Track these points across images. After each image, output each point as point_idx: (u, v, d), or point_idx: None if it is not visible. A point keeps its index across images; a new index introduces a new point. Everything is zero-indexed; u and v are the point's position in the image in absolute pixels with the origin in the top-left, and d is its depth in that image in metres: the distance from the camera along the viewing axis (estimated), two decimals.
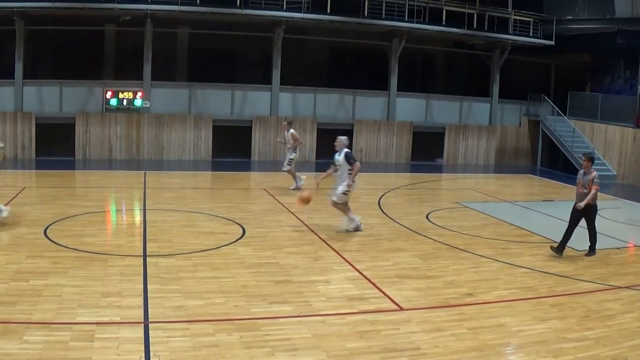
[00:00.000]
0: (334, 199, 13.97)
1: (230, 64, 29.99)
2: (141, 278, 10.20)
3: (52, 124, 25.76)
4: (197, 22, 27.23)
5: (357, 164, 13.90)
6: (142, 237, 13.04)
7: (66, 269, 10.51)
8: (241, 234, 13.61)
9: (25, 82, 25.92)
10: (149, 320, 8.38)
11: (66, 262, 10.93)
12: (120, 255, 11.57)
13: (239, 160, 26.62)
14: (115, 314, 8.50)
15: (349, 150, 14.08)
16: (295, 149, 19.52)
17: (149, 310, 8.72)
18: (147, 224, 14.29)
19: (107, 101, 26.22)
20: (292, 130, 19.72)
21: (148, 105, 26.42)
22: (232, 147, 27.29)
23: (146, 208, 16.18)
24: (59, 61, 27.96)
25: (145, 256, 11.57)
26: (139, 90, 26.42)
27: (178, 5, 25.03)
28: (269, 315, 8.77)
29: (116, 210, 16.82)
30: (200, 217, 15.24)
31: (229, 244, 12.74)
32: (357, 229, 14.17)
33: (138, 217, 15.53)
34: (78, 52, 27.36)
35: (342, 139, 14.23)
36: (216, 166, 25.25)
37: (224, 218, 15.19)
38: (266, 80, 28.25)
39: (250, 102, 28.11)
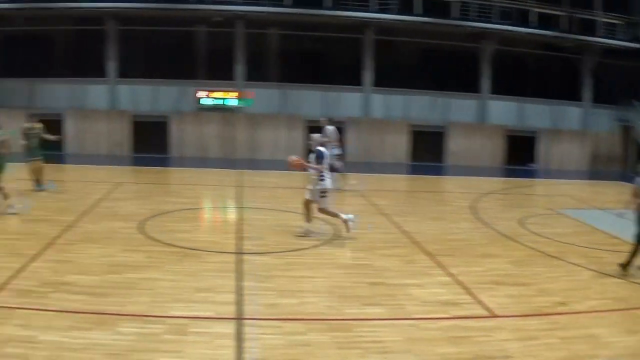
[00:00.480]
0: (319, 205, 13.34)
1: (322, 65, 30.10)
2: (235, 275, 10.29)
3: (146, 122, 26.52)
4: (287, 23, 27.47)
5: (322, 166, 13.14)
6: (237, 235, 13.17)
7: (161, 264, 10.74)
8: (334, 234, 13.56)
9: (120, 81, 26.80)
10: (243, 316, 8.44)
11: (161, 257, 11.17)
12: (214, 251, 11.71)
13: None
14: (209, 309, 8.59)
15: (320, 149, 13.33)
16: (340, 146, 19.57)
17: (243, 306, 8.79)
18: (242, 222, 14.45)
19: (200, 100, 26.74)
20: (329, 127, 19.72)
21: (250, 105, 26.84)
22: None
23: (241, 206, 16.36)
24: (151, 61, 28.78)
25: (240, 253, 11.68)
26: (233, 90, 26.85)
27: (268, 6, 25.32)
28: (362, 317, 8.68)
29: (211, 207, 17.09)
30: (294, 217, 15.25)
31: (322, 244, 12.72)
32: (306, 233, 13.39)
33: (233, 215, 15.73)
34: (171, 52, 28.08)
35: (315, 136, 13.75)
36: None
37: (319, 218, 15.17)
38: (357, 81, 28.22)
39: (342, 103, 28.13)
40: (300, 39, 28.52)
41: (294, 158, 13.50)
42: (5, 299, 8.74)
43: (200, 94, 26.93)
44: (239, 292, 9.41)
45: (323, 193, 13.18)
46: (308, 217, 13.47)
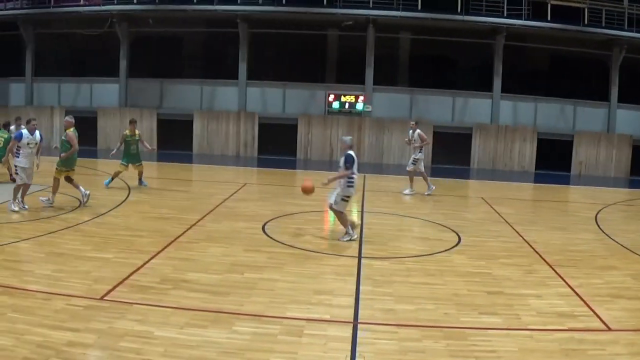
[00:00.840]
0: (333, 204, 13.06)
1: (451, 70, 29.66)
2: (354, 279, 10.22)
3: (274, 124, 26.94)
4: (418, 27, 27.22)
5: (348, 171, 12.80)
6: (358, 239, 13.09)
7: (281, 265, 10.84)
8: (456, 242, 13.27)
9: (249, 83, 27.38)
10: (359, 320, 8.37)
11: (281, 258, 11.27)
12: (334, 254, 11.70)
13: (457, 167, 26.17)
14: (326, 312, 8.55)
15: (349, 153, 12.99)
16: (421, 150, 19.18)
17: (360, 310, 8.71)
18: (364, 226, 14.37)
19: (330, 104, 26.89)
20: (418, 130, 19.30)
21: (370, 110, 26.78)
22: (451, 154, 26.92)
23: (364, 210, 16.28)
24: (282, 64, 29.22)
25: (360, 257, 11.61)
26: (361, 95, 26.86)
27: (399, 10, 25.17)
28: (478, 326, 8.43)
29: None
30: (416, 222, 15.08)
31: (443, 251, 12.47)
32: (349, 238, 13.02)
33: (355, 219, 15.66)
34: (300, 55, 28.41)
35: (346, 139, 13.41)
36: (435, 172, 24.99)
37: (440, 225, 14.92)
38: (486, 87, 27.61)
39: (470, 109, 27.60)
40: (430, 44, 28.20)
41: (307, 185, 13.18)
42: (124, 294, 9.04)
43: (330, 97, 27.07)
44: (357, 296, 9.34)
45: (346, 197, 12.96)
46: (344, 221, 13.18)
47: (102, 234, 12.79)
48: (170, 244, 12.11)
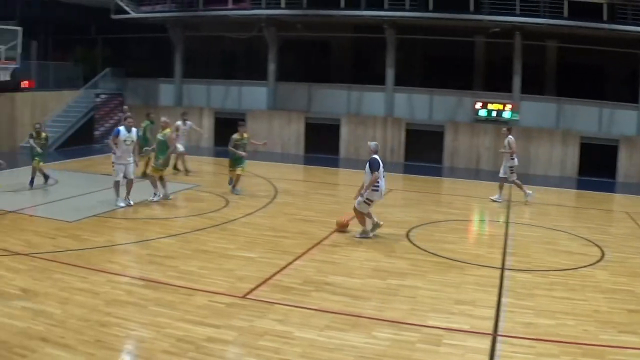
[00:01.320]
0: (356, 205, 13.37)
1: (599, 80, 28.45)
2: (496, 290, 10.15)
3: (421, 131, 26.89)
4: (565, 35, 26.35)
5: (375, 174, 13.00)
6: (501, 250, 12.95)
7: (423, 272, 10.91)
8: (599, 257, 12.80)
9: (396, 89, 27.47)
10: (498, 333, 8.32)
11: (424, 266, 11.34)
12: (477, 265, 11.62)
13: (604, 180, 25.10)
14: (466, 322, 8.56)
15: (374, 157, 13.25)
16: (513, 157, 18.45)
17: (500, 323, 8.66)
18: (507, 237, 14.18)
19: (477, 112, 26.56)
20: (510, 137, 18.61)
21: (517, 119, 26.23)
22: (597, 165, 25.85)
23: (509, 221, 16.03)
24: (430, 70, 29.12)
25: (502, 269, 11.48)
26: (509, 103, 26.35)
27: (546, 18, 24.52)
28: (616, 344, 8.20)
29: (479, 220, 16.93)
30: (560, 235, 14.66)
31: (586, 266, 12.08)
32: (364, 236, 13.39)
33: (499, 230, 15.44)
34: (447, 61, 28.22)
35: (371, 144, 13.61)
36: (581, 185, 24.17)
37: (584, 238, 14.45)
38: (633, 98, 26.33)
39: (617, 120, 26.41)
40: (578, 52, 27.21)
41: (342, 221, 13.81)
42: (266, 294, 9.42)
43: (477, 105, 26.74)
44: (497, 307, 9.27)
45: (369, 201, 13.18)
46: (364, 221, 13.45)
47: (248, 234, 13.35)
48: (314, 246, 12.47)
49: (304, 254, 11.84)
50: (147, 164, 19.50)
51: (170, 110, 29.61)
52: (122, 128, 15.87)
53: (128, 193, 16.00)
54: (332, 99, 28.65)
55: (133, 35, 33.15)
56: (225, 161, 19.05)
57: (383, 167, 13.33)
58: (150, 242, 12.63)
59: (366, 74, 29.16)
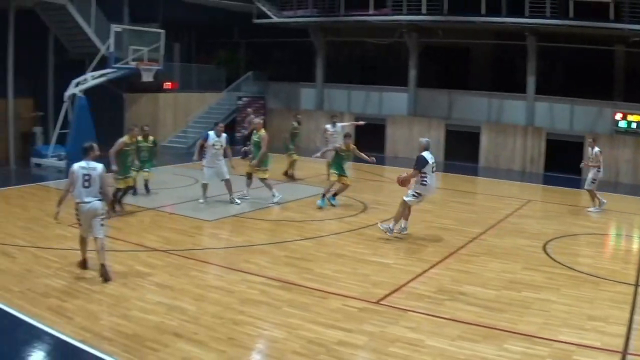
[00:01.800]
0: (405, 197, 13.95)
1: None
2: (628, 307, 9.94)
3: (561, 141, 26.28)
4: None
5: (415, 171, 13.62)
6: (636, 266, 12.58)
7: (558, 286, 10.84)
8: None
9: (537, 97, 26.99)
10: (628, 351, 8.21)
11: (559, 280, 11.25)
12: (612, 280, 11.39)
13: None
14: (597, 339, 8.49)
15: (421, 155, 13.70)
16: (600, 169, 17.84)
17: (630, 341, 8.53)
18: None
19: (616, 123, 25.71)
20: (597, 148, 17.96)
21: None
22: None
23: None
24: (570, 79, 28.40)
25: (637, 285, 11.19)
26: None
27: None
28: None
29: (616, 234, 16.51)
30: None
31: None
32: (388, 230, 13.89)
33: (636, 245, 15.03)
34: (588, 70, 27.42)
35: (422, 140, 14.06)
36: None
37: None
38: None
39: None
40: None
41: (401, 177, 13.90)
42: (400, 300, 9.68)
43: (617, 116, 25.85)
44: (630, 325, 9.11)
45: (417, 193, 13.75)
46: (400, 213, 13.92)
47: (384, 239, 13.63)
48: (450, 255, 12.61)
49: (439, 262, 12.02)
50: (291, 165, 20.18)
51: (312, 114, 30.36)
52: (212, 133, 16.95)
53: (231, 193, 17.00)
54: (472, 106, 28.45)
55: (275, 39, 34.10)
56: (365, 166, 19.44)
57: (434, 164, 13.81)
58: (287, 244, 13.18)
59: (506, 81, 28.78)
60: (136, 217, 15.42)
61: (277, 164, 19.35)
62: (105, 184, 10.72)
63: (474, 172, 25.87)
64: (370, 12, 28.80)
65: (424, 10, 27.41)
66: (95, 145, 10.91)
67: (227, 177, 16.97)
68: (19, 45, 23.00)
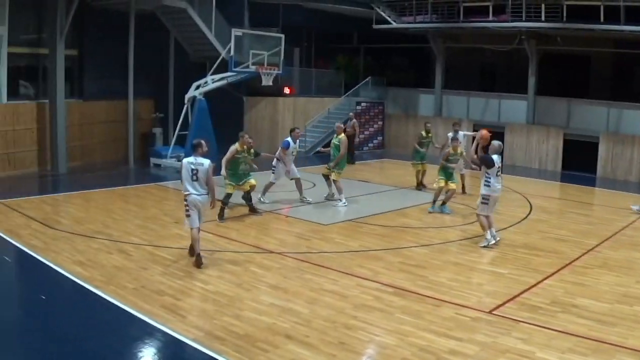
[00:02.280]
0: (477, 211, 14.12)
1: None
2: None
3: None
4: None
5: (484, 168, 13.74)
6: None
7: None
8: None
9: None
10: None
11: None
12: None
13: None
14: None
15: (486, 155, 13.79)
16: None
17: None
18: None
19: None
20: None
21: None
22: None
23: None
24: None
25: None
26: None
27: None
28: None
29: None
30: None
31: None
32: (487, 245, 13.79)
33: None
34: None
35: (495, 143, 13.94)
36: None
37: None
38: None
39: None
40: None
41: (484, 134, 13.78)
42: (512, 311, 9.71)
43: None
44: None
45: (484, 200, 13.71)
46: (485, 227, 13.87)
47: (499, 249, 13.59)
48: (565, 266, 12.45)
49: (554, 273, 11.93)
50: (421, 174, 20.22)
51: (431, 121, 30.28)
52: (290, 140, 17.52)
53: (301, 192, 17.77)
54: (591, 116, 27.73)
55: (393, 45, 34.32)
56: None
57: (499, 168, 13.82)
58: (402, 250, 13.35)
59: (626, 91, 27.95)
60: (253, 219, 15.92)
61: (396, 170, 19.43)
62: (210, 179, 11.55)
63: (592, 182, 25.26)
64: (490, 18, 28.59)
65: (543, 17, 27.03)
66: (203, 142, 11.85)
67: (298, 175, 17.73)
68: (139, 47, 23.95)
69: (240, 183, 16.05)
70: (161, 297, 9.97)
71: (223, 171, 15.59)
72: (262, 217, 16.15)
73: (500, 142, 14.27)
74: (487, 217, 13.93)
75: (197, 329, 8.68)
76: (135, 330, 8.75)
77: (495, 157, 13.75)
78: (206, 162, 11.49)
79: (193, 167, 11.46)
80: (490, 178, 13.70)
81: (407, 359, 7.95)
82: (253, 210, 16.30)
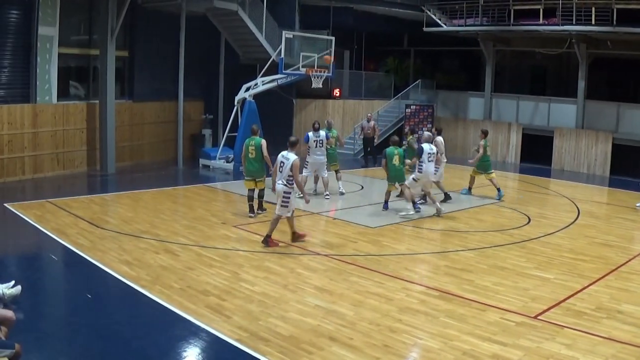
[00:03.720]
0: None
1: None
2: None
3: None
4: None
5: (414, 159, 16.88)
6: None
7: None
8: None
9: None
10: None
11: None
12: None
13: None
14: None
15: (421, 145, 16.96)
16: None
17: None
18: None
19: None
20: None
21: None
22: None
23: None
24: None
25: None
26: None
27: None
28: None
29: None
30: None
31: None
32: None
33: None
34: None
35: (425, 133, 17.69)
36: None
37: None
38: None
39: None
40: None
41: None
42: (557, 317, 9.60)
43: None
44: None
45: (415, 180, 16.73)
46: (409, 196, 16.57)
47: (546, 254, 13.42)
48: (611, 272, 12.25)
49: (600, 279, 11.75)
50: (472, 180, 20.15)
51: (480, 124, 30.09)
52: (309, 133, 18.27)
53: (326, 189, 18.52)
54: None
55: (444, 47, 34.15)
56: (530, 178, 19.24)
57: (430, 154, 16.67)
58: (449, 254, 13.28)
59: None
60: (300, 221, 15.68)
61: (445, 172, 19.29)
62: (294, 173, 12.94)
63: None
64: (540, 21, 28.24)
65: (593, 21, 26.61)
66: (297, 141, 13.62)
67: (324, 174, 18.45)
68: (190, 48, 24.19)
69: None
70: (207, 297, 10.04)
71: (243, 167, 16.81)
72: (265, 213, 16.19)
73: (429, 133, 17.85)
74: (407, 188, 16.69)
75: (241, 329, 8.70)
76: (180, 330, 8.81)
77: (425, 145, 16.64)
78: (293, 157, 13.00)
79: (282, 159, 13.12)
80: (422, 165, 16.55)
81: None
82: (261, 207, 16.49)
